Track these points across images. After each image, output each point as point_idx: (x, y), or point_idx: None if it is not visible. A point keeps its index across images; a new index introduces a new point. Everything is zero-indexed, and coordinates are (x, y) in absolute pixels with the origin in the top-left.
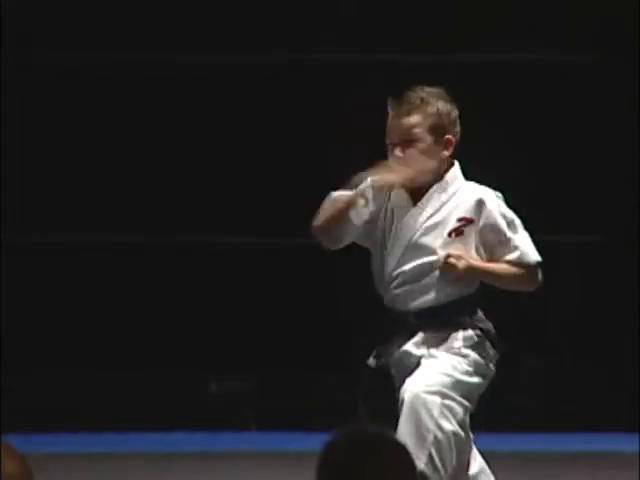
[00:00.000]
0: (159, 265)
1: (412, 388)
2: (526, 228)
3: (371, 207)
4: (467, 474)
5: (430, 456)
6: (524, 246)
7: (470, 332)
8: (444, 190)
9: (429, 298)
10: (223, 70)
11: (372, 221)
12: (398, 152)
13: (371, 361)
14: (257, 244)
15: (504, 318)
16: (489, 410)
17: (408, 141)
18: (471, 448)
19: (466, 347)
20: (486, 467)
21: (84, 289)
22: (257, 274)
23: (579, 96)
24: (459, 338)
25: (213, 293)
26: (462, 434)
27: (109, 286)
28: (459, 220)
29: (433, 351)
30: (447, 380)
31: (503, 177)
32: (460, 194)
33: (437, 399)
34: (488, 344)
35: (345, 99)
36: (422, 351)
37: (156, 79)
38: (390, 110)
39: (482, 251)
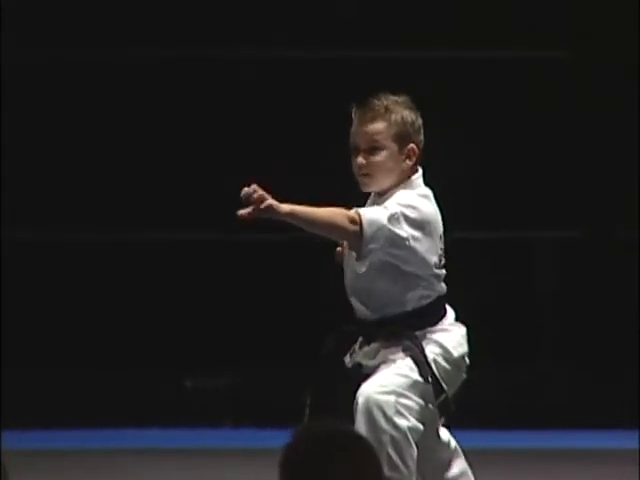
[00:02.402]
0: (134, 262)
1: (365, 390)
2: (505, 225)
3: None
4: (446, 474)
5: (388, 456)
6: (375, 211)
7: (425, 339)
8: (381, 195)
9: (382, 307)
10: (206, 65)
11: None
12: (361, 159)
13: (347, 359)
14: (231, 241)
15: (506, 317)
16: (488, 408)
17: (371, 148)
18: (450, 448)
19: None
20: (468, 470)
21: (56, 286)
22: (232, 270)
23: (552, 93)
24: (414, 341)
25: (188, 290)
26: (420, 428)
27: (82, 284)
28: None
29: (390, 357)
30: (403, 381)
31: (480, 175)
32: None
33: (391, 398)
34: (450, 346)
35: (312, 96)
36: (378, 361)
37: (137, 75)
38: (354, 117)
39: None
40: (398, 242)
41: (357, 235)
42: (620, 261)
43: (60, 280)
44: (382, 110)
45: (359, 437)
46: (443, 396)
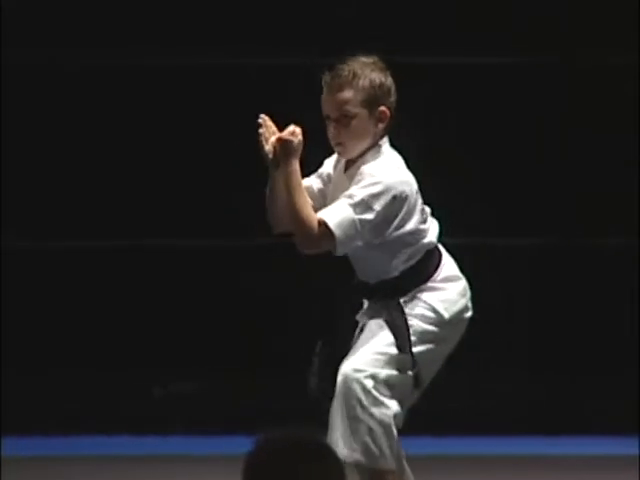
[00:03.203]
0: (102, 267)
1: (344, 371)
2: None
3: (325, 175)
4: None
5: (365, 445)
6: (338, 211)
7: (414, 301)
8: (368, 160)
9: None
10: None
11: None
12: (332, 129)
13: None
14: (196, 246)
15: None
16: (488, 413)
17: (341, 117)
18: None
19: (409, 316)
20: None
21: (53, 293)
22: (199, 276)
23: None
24: (398, 309)
25: (157, 295)
26: (399, 412)
27: (77, 291)
28: None
29: (372, 323)
30: (381, 359)
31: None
32: (363, 166)
33: (369, 383)
34: (440, 307)
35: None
36: (364, 320)
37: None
38: (323, 84)
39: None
40: (373, 225)
41: (328, 239)
42: (597, 268)
43: (56, 287)
44: (350, 76)
45: (322, 445)
46: (415, 370)
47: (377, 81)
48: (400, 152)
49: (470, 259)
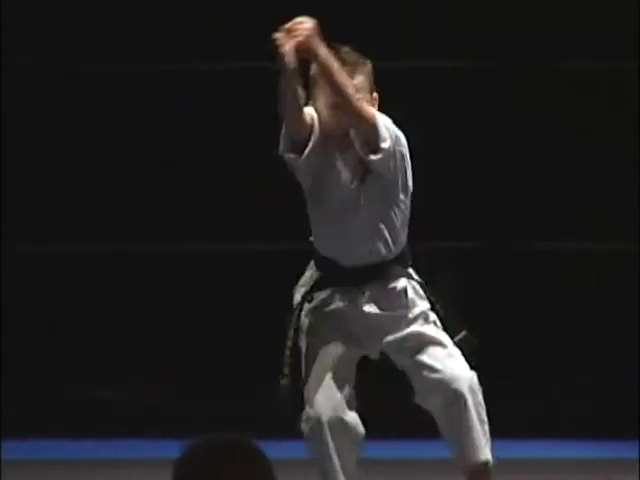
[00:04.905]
0: (102, 272)
1: (463, 376)
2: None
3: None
4: None
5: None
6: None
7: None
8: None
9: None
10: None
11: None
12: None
13: (305, 305)
14: (144, 251)
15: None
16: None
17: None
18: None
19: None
20: None
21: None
22: (145, 281)
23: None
24: (409, 293)
25: (107, 299)
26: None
27: (79, 295)
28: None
29: (402, 310)
30: (457, 353)
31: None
32: None
33: (477, 383)
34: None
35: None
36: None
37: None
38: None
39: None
40: (402, 155)
41: (372, 121)
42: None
43: (56, 291)
44: (359, 62)
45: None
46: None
47: (372, 68)
48: None
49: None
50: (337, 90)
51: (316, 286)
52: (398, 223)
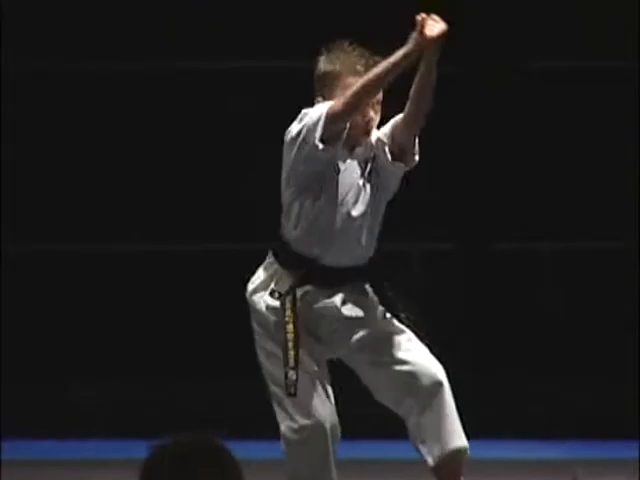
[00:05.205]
0: (100, 272)
1: (440, 369)
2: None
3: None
4: None
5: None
6: None
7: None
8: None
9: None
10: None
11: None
12: (373, 114)
13: (269, 299)
14: (107, 252)
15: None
16: (485, 417)
17: (378, 103)
18: None
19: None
20: None
21: (55, 297)
22: (108, 282)
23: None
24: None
25: (71, 300)
26: None
27: (47, 291)
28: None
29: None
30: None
31: None
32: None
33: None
34: None
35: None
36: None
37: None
38: (359, 68)
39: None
40: None
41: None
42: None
43: (56, 291)
44: (374, 59)
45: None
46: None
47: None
48: None
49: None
50: (433, 83)
51: (299, 283)
52: (380, 226)
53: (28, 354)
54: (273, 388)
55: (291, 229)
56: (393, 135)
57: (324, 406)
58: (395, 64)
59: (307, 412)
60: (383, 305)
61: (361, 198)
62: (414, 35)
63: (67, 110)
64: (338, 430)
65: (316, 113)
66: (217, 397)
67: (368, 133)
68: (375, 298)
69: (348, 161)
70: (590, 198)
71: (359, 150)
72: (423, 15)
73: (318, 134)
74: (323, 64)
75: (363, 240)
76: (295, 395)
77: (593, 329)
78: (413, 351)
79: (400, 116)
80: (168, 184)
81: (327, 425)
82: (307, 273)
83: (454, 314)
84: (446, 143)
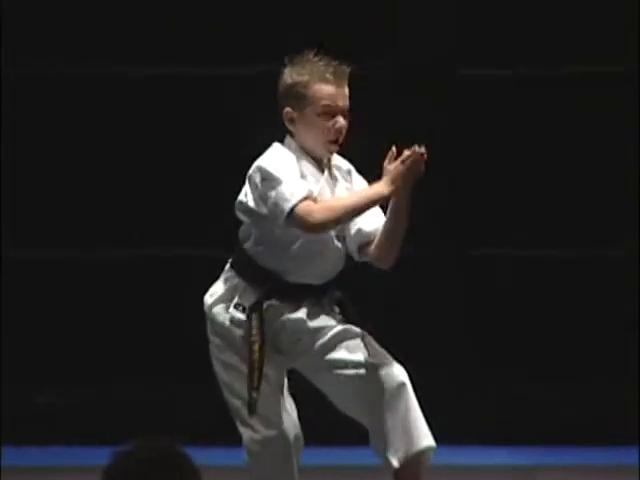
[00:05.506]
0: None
1: (403, 372)
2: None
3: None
4: None
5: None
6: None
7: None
8: (330, 159)
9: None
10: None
11: None
12: (342, 121)
13: (235, 312)
14: (71, 258)
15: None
16: (489, 423)
17: (346, 111)
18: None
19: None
20: None
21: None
22: (77, 287)
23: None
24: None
25: (38, 305)
26: None
27: (45, 298)
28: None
29: (344, 324)
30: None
31: None
32: (334, 162)
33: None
34: None
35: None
36: (325, 322)
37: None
38: (331, 77)
39: None
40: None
41: None
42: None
43: (55, 297)
44: (347, 71)
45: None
46: None
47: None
48: None
49: None
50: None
51: (264, 297)
52: None
53: (28, 357)
54: (233, 401)
55: (252, 246)
56: (356, 234)
57: (286, 417)
58: (373, 203)
59: (269, 423)
60: (343, 313)
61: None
62: (400, 170)
63: (67, 113)
64: (300, 439)
65: (287, 190)
66: (176, 403)
67: (337, 142)
68: (335, 306)
69: (316, 182)
70: (590, 198)
71: (326, 168)
72: (416, 149)
73: (282, 220)
74: (290, 75)
75: (329, 260)
76: (255, 414)
77: (593, 330)
78: (373, 354)
79: (368, 230)
80: (172, 188)
81: (289, 435)
82: (272, 288)
83: (444, 318)
84: (444, 146)
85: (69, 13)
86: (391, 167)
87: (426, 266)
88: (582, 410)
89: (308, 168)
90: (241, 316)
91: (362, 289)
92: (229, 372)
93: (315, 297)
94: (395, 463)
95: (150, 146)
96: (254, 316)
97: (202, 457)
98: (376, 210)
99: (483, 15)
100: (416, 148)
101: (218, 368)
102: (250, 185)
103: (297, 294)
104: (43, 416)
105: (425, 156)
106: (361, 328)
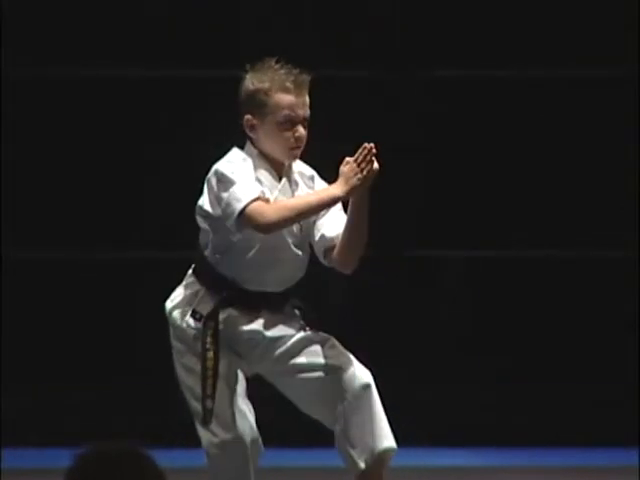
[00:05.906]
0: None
1: (367, 373)
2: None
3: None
4: None
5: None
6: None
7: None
8: (291, 166)
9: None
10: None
11: None
12: (302, 130)
13: (191, 321)
14: (38, 259)
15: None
16: (491, 425)
17: (306, 119)
18: None
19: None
20: None
21: (55, 304)
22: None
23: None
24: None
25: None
26: None
27: (45, 299)
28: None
29: (306, 330)
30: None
31: None
32: (297, 168)
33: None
34: None
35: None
36: (289, 331)
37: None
38: (291, 86)
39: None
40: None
41: None
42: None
43: (55, 299)
44: (308, 80)
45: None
46: None
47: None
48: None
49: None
50: (366, 231)
51: (221, 305)
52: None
53: (27, 358)
54: (194, 404)
55: (211, 253)
56: (320, 240)
57: (243, 420)
58: (326, 204)
59: (227, 427)
60: (304, 318)
61: (285, 230)
62: (353, 169)
63: (67, 114)
64: (259, 443)
65: (239, 191)
66: (140, 405)
67: (297, 149)
68: (296, 311)
69: (272, 187)
70: (590, 199)
71: (286, 174)
72: (370, 146)
73: (234, 220)
74: (251, 82)
75: (288, 268)
76: (210, 423)
77: (593, 330)
78: (337, 357)
79: (331, 235)
80: (172, 188)
81: (247, 439)
82: (230, 295)
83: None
84: (443, 145)
85: (69, 14)
86: (345, 168)
87: (426, 266)
88: (582, 410)
89: (265, 175)
90: (197, 324)
91: (323, 292)
92: (190, 376)
93: (275, 304)
94: (361, 464)
95: (150, 146)
96: (209, 324)
97: (165, 459)
98: (340, 216)
99: (483, 15)
100: (366, 144)
101: (180, 372)
102: (207, 188)
103: (256, 302)
104: (43, 417)
105: (374, 151)
106: (324, 332)
